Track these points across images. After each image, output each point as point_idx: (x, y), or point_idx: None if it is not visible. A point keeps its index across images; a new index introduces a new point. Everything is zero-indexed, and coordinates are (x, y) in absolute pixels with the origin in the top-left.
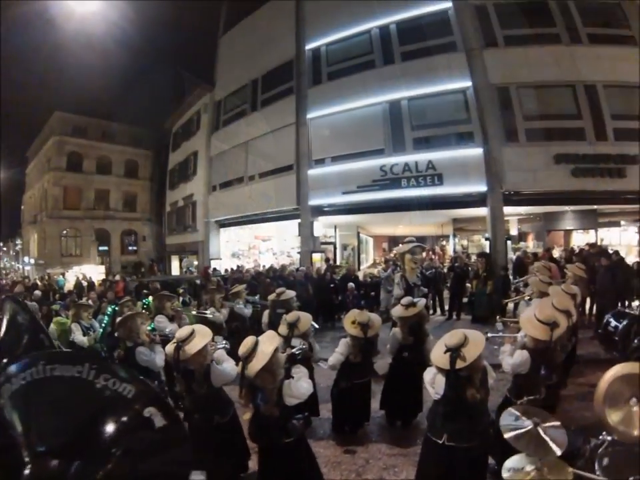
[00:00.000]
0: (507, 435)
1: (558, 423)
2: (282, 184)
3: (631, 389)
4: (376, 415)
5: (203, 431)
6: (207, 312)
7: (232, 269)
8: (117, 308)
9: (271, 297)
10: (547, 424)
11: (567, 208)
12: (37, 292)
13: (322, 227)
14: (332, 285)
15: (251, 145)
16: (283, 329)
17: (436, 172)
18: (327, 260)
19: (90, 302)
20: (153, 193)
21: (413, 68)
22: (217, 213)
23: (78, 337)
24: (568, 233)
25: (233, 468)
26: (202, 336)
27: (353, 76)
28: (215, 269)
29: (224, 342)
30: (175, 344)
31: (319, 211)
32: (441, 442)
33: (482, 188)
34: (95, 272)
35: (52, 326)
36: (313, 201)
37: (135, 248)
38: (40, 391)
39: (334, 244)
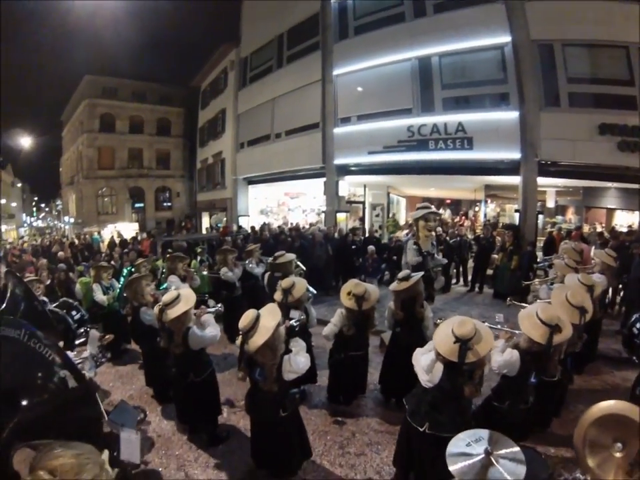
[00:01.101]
0: (452, 468)
1: (517, 450)
2: (308, 142)
3: (616, 431)
4: (375, 388)
5: (178, 385)
6: (219, 272)
7: (252, 228)
8: (132, 269)
9: (270, 259)
10: (502, 451)
11: (609, 184)
12: (61, 253)
13: (351, 185)
14: (353, 247)
15: (277, 103)
16: (277, 294)
17: (466, 135)
18: (361, 219)
19: (112, 262)
20: (186, 149)
21: (445, 21)
22: (245, 170)
23: (98, 296)
24: (610, 211)
25: (207, 423)
26: (185, 302)
27: (381, 30)
28: (240, 227)
29: (218, 305)
30: (160, 307)
31: (345, 170)
32: (421, 429)
33: (515, 155)
34: (129, 229)
35: (77, 285)
36: (339, 160)
37: (169, 204)
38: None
39: (363, 203)
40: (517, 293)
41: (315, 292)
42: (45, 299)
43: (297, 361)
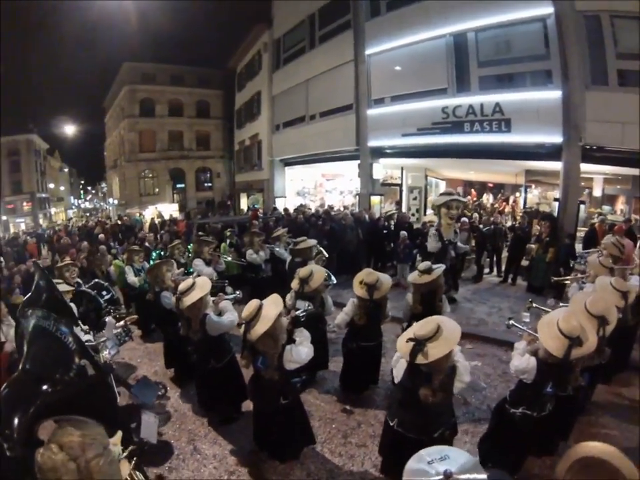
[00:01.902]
0: None
1: (482, 477)
2: (342, 124)
3: (598, 476)
4: (389, 379)
5: (200, 372)
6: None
7: (285, 210)
8: (162, 252)
9: (291, 245)
10: (465, 476)
11: None
12: (101, 235)
13: (388, 168)
14: (385, 232)
15: (311, 84)
16: (295, 283)
17: (503, 117)
18: (397, 203)
19: (147, 244)
20: (225, 130)
21: None
22: (281, 151)
23: (130, 277)
24: None
25: (227, 408)
26: (200, 289)
27: (414, 5)
28: (275, 209)
29: (236, 292)
30: (176, 295)
31: (379, 152)
32: (391, 424)
33: (556, 139)
34: (170, 210)
35: (111, 267)
36: (372, 143)
37: (210, 184)
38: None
39: (400, 186)
40: (551, 287)
41: (334, 281)
42: (79, 280)
43: (299, 351)
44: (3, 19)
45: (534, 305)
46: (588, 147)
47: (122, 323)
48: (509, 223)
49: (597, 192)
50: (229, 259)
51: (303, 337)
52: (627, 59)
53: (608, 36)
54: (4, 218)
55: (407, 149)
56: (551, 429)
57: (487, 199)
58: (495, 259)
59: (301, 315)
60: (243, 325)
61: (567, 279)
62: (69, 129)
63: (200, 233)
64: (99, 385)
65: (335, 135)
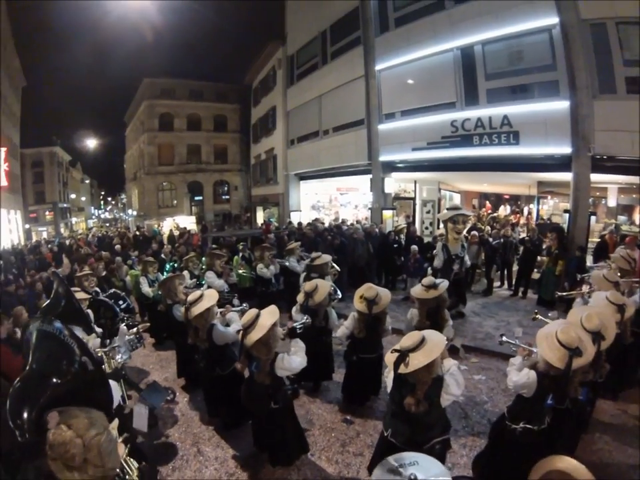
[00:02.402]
0: None
1: (437, 465)
2: (354, 138)
3: None
4: None
5: (206, 379)
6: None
7: (299, 224)
8: (175, 264)
9: (307, 261)
10: (421, 469)
11: None
12: (118, 246)
13: (401, 181)
14: (395, 246)
15: (323, 99)
16: (300, 296)
17: (512, 129)
18: (407, 217)
19: (163, 255)
20: (242, 144)
21: (486, 5)
22: (295, 166)
23: (144, 288)
24: None
25: (231, 414)
26: (207, 300)
27: (421, 20)
28: (290, 222)
29: (243, 305)
30: (185, 305)
31: (391, 166)
32: (385, 434)
33: (565, 150)
34: (187, 222)
35: (127, 277)
36: (384, 157)
37: (227, 197)
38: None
39: (413, 199)
40: (562, 301)
41: (339, 295)
42: (97, 289)
43: (291, 360)
44: (27, 36)
45: (539, 316)
46: (598, 156)
47: (134, 330)
48: (522, 236)
49: (612, 202)
50: (240, 271)
51: (298, 347)
52: (635, 65)
53: (614, 43)
54: (27, 226)
55: (417, 163)
56: (550, 443)
57: (504, 210)
58: (505, 272)
59: (297, 326)
60: (241, 332)
61: (572, 294)
62: (91, 142)
63: (213, 246)
64: (98, 379)
65: (347, 149)
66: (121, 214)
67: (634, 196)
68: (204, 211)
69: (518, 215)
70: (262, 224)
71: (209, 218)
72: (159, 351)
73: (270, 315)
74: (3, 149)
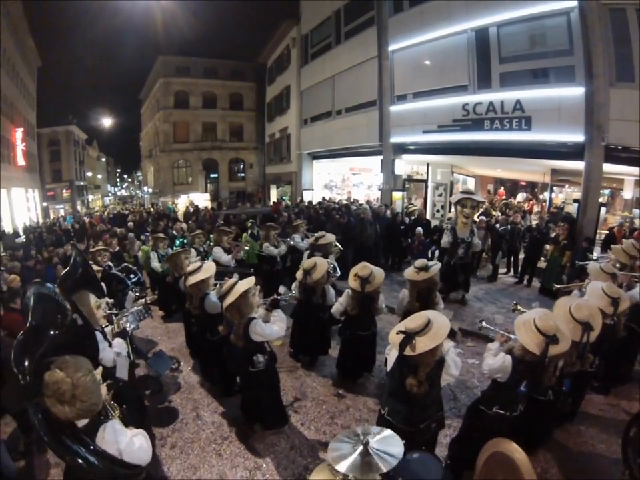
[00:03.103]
0: (330, 455)
1: (398, 449)
2: (366, 120)
3: (503, 472)
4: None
5: (198, 342)
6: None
7: (309, 202)
8: (184, 240)
9: (311, 240)
10: (381, 446)
11: None
12: (130, 223)
13: (413, 163)
14: (402, 227)
15: (337, 79)
16: (299, 273)
17: (524, 114)
18: (410, 200)
19: (174, 232)
20: (258, 122)
21: None
22: (308, 145)
23: (154, 263)
24: None
25: (224, 380)
26: (204, 272)
27: (436, 0)
28: (301, 201)
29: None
30: (184, 274)
31: (402, 148)
32: (383, 412)
33: (578, 138)
34: (202, 199)
35: (139, 253)
36: (395, 139)
37: (243, 175)
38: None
39: (425, 182)
40: (559, 293)
41: (338, 273)
42: (110, 263)
43: (265, 327)
44: (43, 17)
45: (519, 307)
46: (613, 146)
47: (142, 301)
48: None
49: (628, 194)
50: (247, 248)
51: (278, 317)
52: None
53: (634, 30)
54: (44, 204)
55: (428, 145)
56: (526, 431)
57: (522, 197)
58: (512, 259)
59: (280, 298)
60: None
61: (569, 286)
62: (107, 120)
63: (221, 222)
64: (86, 333)
65: (359, 130)
66: (137, 191)
67: None
68: (219, 188)
69: (532, 202)
70: (272, 202)
71: (224, 196)
72: (167, 323)
73: (245, 283)
74: (20, 130)
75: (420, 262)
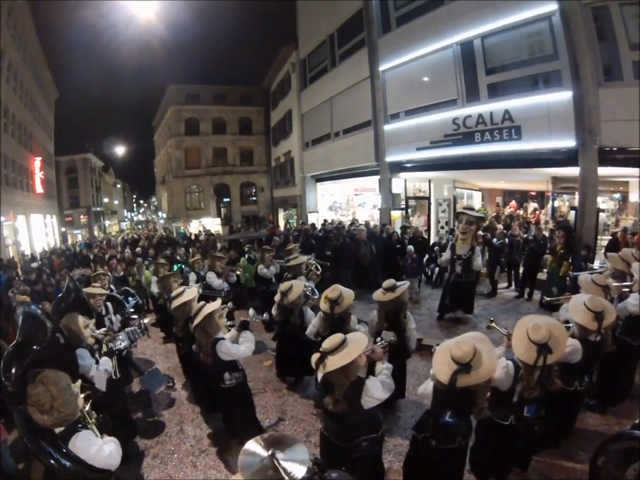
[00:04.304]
0: (240, 464)
1: (304, 458)
2: (363, 140)
3: None
4: None
5: (184, 357)
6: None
7: (311, 225)
8: (183, 265)
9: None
10: (289, 456)
11: None
12: (138, 249)
13: (415, 181)
14: (398, 246)
15: (334, 102)
16: (277, 296)
17: (513, 124)
18: (408, 218)
19: (178, 257)
20: (268, 145)
21: None
22: (311, 168)
23: (153, 287)
24: None
25: (207, 394)
26: (187, 295)
27: (422, 18)
28: (302, 223)
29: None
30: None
31: (399, 167)
32: (321, 427)
33: (570, 143)
34: (213, 223)
35: (143, 277)
36: (390, 157)
37: (254, 198)
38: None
39: (428, 199)
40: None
41: (316, 295)
42: (111, 287)
43: (231, 346)
44: (59, 50)
45: (494, 324)
46: (607, 148)
47: (136, 322)
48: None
49: (634, 197)
50: (238, 272)
51: (246, 338)
52: None
53: (619, 27)
54: (63, 229)
55: (423, 162)
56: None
57: (531, 207)
58: (513, 273)
59: (250, 320)
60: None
61: (559, 299)
62: (122, 148)
63: (224, 246)
64: (66, 350)
65: (357, 150)
66: (153, 216)
67: None
68: (231, 212)
69: (537, 213)
70: (285, 224)
71: (236, 219)
72: (167, 343)
73: (212, 305)
74: (38, 159)
75: (387, 282)
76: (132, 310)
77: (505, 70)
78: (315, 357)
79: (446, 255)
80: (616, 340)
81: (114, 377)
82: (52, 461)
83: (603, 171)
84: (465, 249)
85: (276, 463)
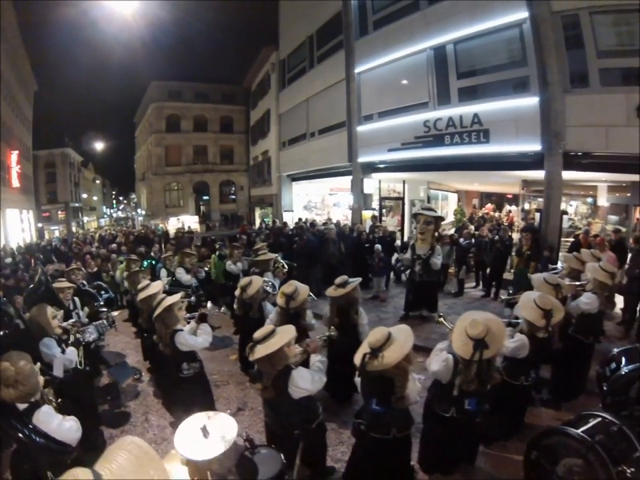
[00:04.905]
0: (180, 450)
1: (232, 435)
2: (338, 141)
3: None
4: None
5: (148, 347)
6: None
7: (283, 224)
8: (153, 262)
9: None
10: (216, 426)
11: None
12: (114, 245)
13: (390, 182)
14: (366, 245)
15: (310, 102)
16: (237, 290)
17: (482, 127)
18: (374, 217)
19: (152, 254)
20: (248, 145)
21: (459, 4)
22: (287, 167)
23: (125, 282)
24: None
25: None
26: (152, 288)
27: (398, 22)
28: (274, 222)
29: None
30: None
31: (371, 167)
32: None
33: (536, 147)
34: (191, 221)
35: (117, 272)
36: (363, 158)
37: (234, 197)
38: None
39: (402, 199)
40: (508, 305)
41: (275, 290)
42: (84, 282)
43: (189, 338)
44: (39, 42)
45: (442, 319)
46: (573, 153)
47: (104, 316)
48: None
49: (602, 201)
50: (206, 268)
51: (204, 330)
52: (609, 56)
53: (587, 34)
54: (40, 225)
55: (394, 163)
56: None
57: (512, 210)
58: (480, 273)
59: (208, 313)
60: None
61: (515, 298)
62: (102, 143)
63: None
64: (27, 335)
65: (331, 151)
66: (133, 213)
67: (616, 195)
68: (210, 211)
69: (511, 215)
70: (260, 223)
71: (215, 218)
72: (139, 338)
73: (171, 298)
74: (15, 152)
75: (339, 279)
76: (102, 304)
77: (475, 74)
78: (249, 346)
79: (406, 255)
80: (569, 338)
81: (79, 367)
82: (20, 435)
83: (573, 175)
84: (424, 249)
85: (205, 434)
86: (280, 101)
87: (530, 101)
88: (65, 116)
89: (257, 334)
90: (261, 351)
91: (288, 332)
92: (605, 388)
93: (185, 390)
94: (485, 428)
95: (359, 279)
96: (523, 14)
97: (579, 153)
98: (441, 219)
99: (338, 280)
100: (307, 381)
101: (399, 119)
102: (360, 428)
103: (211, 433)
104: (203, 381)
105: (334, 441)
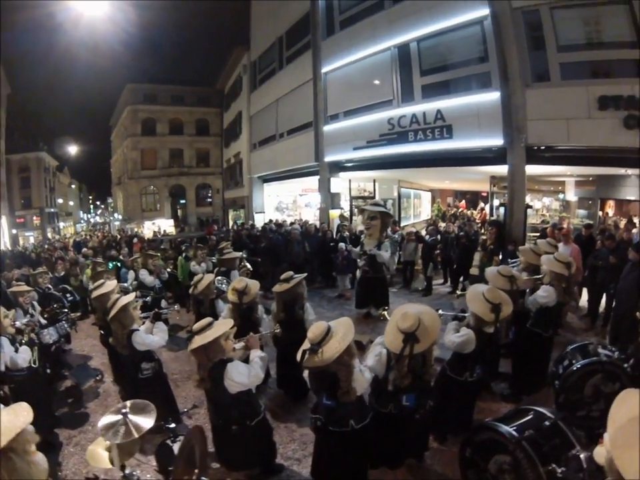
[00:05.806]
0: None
1: (150, 419)
2: (305, 141)
3: None
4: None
5: (107, 344)
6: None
7: (250, 225)
8: (118, 264)
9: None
10: (138, 414)
11: (622, 171)
12: (85, 250)
13: (360, 181)
14: (331, 244)
15: (280, 103)
16: (191, 288)
17: (445, 123)
18: (342, 216)
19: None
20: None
21: (422, 4)
22: (258, 169)
23: (91, 286)
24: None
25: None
26: (105, 287)
27: (363, 21)
28: (242, 223)
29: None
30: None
31: (338, 167)
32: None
33: (498, 142)
34: (167, 225)
35: (84, 276)
36: (329, 158)
37: (210, 200)
38: None
39: (372, 199)
40: None
41: (225, 289)
42: (49, 285)
43: (145, 337)
44: (12, 44)
45: (385, 313)
46: (535, 147)
47: (64, 318)
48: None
49: (570, 195)
50: (169, 270)
51: (159, 329)
52: (569, 50)
53: (548, 29)
54: (14, 232)
55: (361, 161)
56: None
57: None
58: (448, 269)
59: (162, 312)
60: None
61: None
62: (77, 147)
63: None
64: None
65: (299, 151)
66: (110, 218)
67: (585, 188)
68: (187, 214)
69: (484, 212)
70: (233, 225)
71: (192, 221)
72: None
73: (125, 299)
74: None
75: (285, 274)
76: (60, 305)
77: (438, 71)
78: (187, 337)
79: (356, 250)
80: (528, 331)
81: (33, 365)
82: None
83: (540, 170)
84: (371, 244)
85: (127, 420)
86: (251, 102)
87: (491, 96)
88: (40, 119)
89: (196, 326)
90: (197, 341)
91: (225, 324)
92: (556, 386)
93: (144, 391)
94: (433, 424)
95: (304, 275)
96: (484, 11)
97: (542, 147)
98: (388, 214)
99: (283, 275)
100: (242, 375)
101: (364, 118)
102: (317, 424)
103: (130, 418)
104: (162, 380)
105: (285, 438)
